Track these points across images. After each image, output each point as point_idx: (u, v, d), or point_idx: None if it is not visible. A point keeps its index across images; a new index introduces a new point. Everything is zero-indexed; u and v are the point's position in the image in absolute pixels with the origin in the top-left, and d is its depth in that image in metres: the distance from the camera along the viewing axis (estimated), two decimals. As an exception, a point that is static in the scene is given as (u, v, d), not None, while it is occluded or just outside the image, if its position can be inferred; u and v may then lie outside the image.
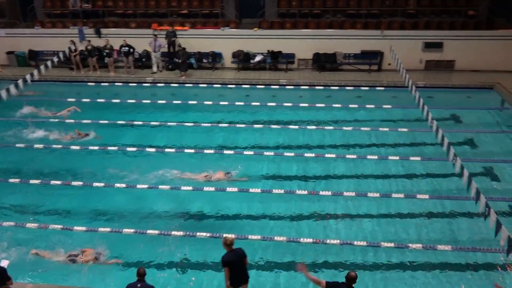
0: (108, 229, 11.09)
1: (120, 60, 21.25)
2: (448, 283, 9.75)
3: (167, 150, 14.84)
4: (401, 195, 12.37)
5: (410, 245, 10.62)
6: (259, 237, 10.81)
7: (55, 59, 16.77)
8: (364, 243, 10.69)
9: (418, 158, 14.13)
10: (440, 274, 9.99)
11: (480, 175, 13.31)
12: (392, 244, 10.65)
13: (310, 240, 10.73)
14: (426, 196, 12.31)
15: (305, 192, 12.47)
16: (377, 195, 12.35)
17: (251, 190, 12.50)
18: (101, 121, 16.62)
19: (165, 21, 22.31)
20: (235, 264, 8.22)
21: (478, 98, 18.59)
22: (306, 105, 17.99)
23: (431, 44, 20.42)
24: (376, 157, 14.32)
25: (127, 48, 20.50)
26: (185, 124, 16.61)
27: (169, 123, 16.60)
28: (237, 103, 18.25)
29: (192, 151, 14.77)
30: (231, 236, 8.47)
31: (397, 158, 14.21)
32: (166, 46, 21.29)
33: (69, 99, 18.52)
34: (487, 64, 20.27)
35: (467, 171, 9.52)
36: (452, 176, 12.86)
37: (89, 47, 21.01)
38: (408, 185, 13.15)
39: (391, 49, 17.67)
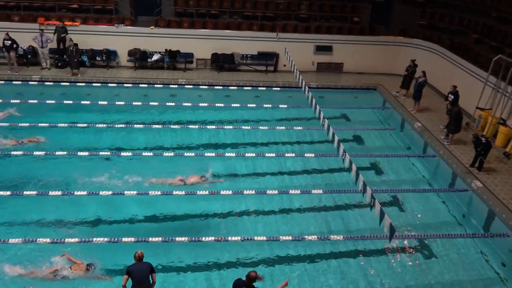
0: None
1: (2, 56, 19.40)
2: (341, 272, 10.50)
3: (57, 153, 13.90)
4: (298, 191, 13.02)
5: (307, 237, 11.23)
6: (159, 239, 10.65)
7: None
8: (264, 238, 11.06)
9: (313, 155, 14.96)
10: (334, 262, 10.73)
11: (366, 169, 14.50)
12: (290, 237, 11.17)
13: (212, 238, 10.82)
14: (321, 191, 13.11)
15: (206, 192, 12.54)
16: (276, 192, 12.86)
17: (150, 193, 12.24)
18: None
19: (53, 15, 20.82)
20: (137, 276, 8.14)
21: (363, 98, 20.17)
22: (206, 104, 18.06)
23: (322, 47, 21.71)
24: (273, 154, 14.88)
25: (9, 42, 18.71)
26: (77, 125, 15.71)
27: (59, 124, 15.53)
28: (134, 103, 17.70)
29: (86, 153, 14.04)
30: (140, 251, 8.42)
31: (293, 155, 14.91)
32: (55, 41, 19.90)
33: None
34: (370, 67, 22.10)
35: (355, 166, 10.31)
36: (342, 171, 13.85)
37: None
38: (304, 181, 13.88)
39: (285, 51, 18.42)
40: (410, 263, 10.94)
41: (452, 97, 16.08)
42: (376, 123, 18.20)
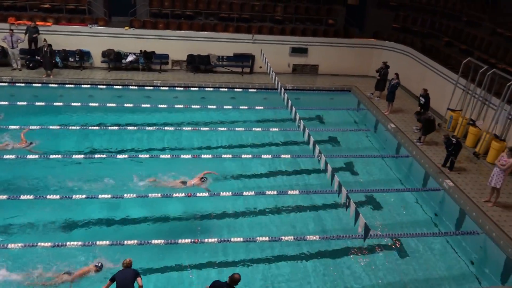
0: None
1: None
2: (317, 272, 10.60)
3: (29, 157, 13.58)
4: (274, 192, 13.08)
5: (283, 237, 11.29)
6: (135, 242, 10.54)
7: None
8: (240, 239, 11.07)
9: (288, 156, 15.06)
10: (310, 262, 10.83)
11: (341, 170, 14.69)
12: (266, 238, 11.21)
13: (189, 240, 10.77)
14: (297, 192, 13.20)
15: (182, 195, 12.46)
16: (252, 193, 12.88)
17: (125, 196, 12.09)
18: None
19: (24, 15, 20.35)
20: (120, 281, 8.26)
21: (338, 99, 20.41)
22: (181, 106, 17.95)
23: (297, 49, 21.88)
24: (250, 156, 14.90)
25: (-23, 42, 18.23)
26: (50, 127, 15.38)
27: (31, 127, 15.14)
28: (108, 105, 17.44)
29: (59, 156, 13.77)
30: (129, 259, 8.63)
31: (269, 156, 14.97)
32: (26, 42, 19.46)
33: None
34: (345, 69, 22.38)
35: (331, 167, 10.43)
36: (318, 171, 13.97)
37: None
38: (280, 182, 13.95)
39: (261, 52, 18.49)
40: (385, 262, 11.13)
41: (424, 100, 16.44)
42: (351, 124, 18.45)
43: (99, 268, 9.69)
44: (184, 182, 12.81)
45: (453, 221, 12.58)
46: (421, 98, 16.56)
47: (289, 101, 13.62)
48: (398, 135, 16.20)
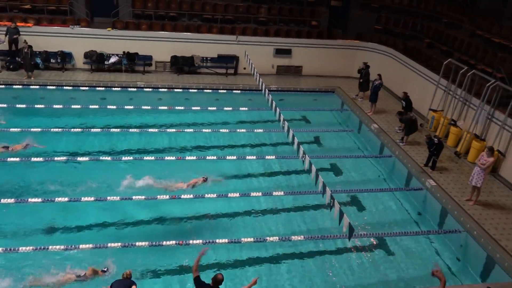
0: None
1: None
2: (302, 272, 10.65)
3: (9, 159, 13.37)
4: (259, 193, 13.09)
5: (268, 238, 11.32)
6: (119, 244, 10.45)
7: None
8: (226, 241, 11.05)
9: (273, 157, 15.10)
10: (296, 262, 10.87)
11: (326, 170, 14.78)
12: (251, 239, 11.22)
13: (173, 242, 10.72)
14: (282, 193, 13.25)
15: (167, 197, 12.39)
16: (237, 194, 12.85)
17: (109, 198, 11.98)
18: None
19: (4, 16, 20.01)
20: None
21: (322, 100, 20.54)
22: (165, 108, 17.86)
23: (281, 51, 21.96)
24: (234, 157, 14.90)
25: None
26: (32, 130, 15.15)
27: (11, 129, 14.90)
28: (91, 107, 17.27)
29: (41, 159, 13.58)
30: (129, 270, 8.67)
31: (254, 157, 14.98)
32: (6, 43, 19.14)
33: None
34: (328, 70, 22.54)
35: (315, 167, 10.49)
36: (302, 172, 14.05)
37: None
38: (265, 182, 13.98)
39: (245, 54, 18.52)
40: (369, 261, 11.23)
41: (405, 102, 16.67)
42: (335, 125, 18.58)
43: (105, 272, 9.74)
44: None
45: (436, 220, 12.77)
46: (402, 101, 16.79)
47: (273, 102, 13.66)
48: (381, 136, 16.38)
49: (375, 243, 11.91)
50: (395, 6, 23.60)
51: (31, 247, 10.13)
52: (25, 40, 18.71)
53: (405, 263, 11.24)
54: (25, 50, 18.37)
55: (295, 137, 11.79)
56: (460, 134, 15.60)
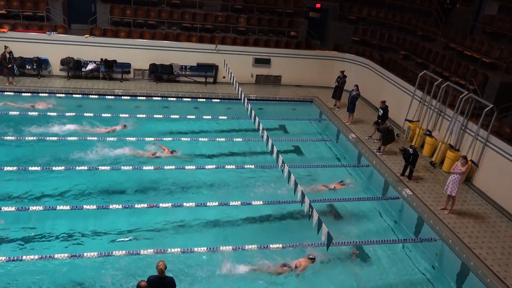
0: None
1: None
2: (278, 280, 10.63)
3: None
4: (238, 203, 13.03)
5: (247, 246, 11.26)
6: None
7: None
8: (204, 249, 10.96)
9: (252, 166, 15.10)
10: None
11: (304, 179, 14.83)
12: (230, 248, 11.13)
13: (124, 252, 10.54)
14: (261, 202, 13.21)
15: (145, 205, 12.24)
16: (216, 204, 12.77)
17: (85, 207, 11.78)
18: None
19: (-23, 21, 19.60)
20: None
21: (301, 110, 20.72)
22: (144, 116, 17.69)
23: (260, 60, 22.09)
24: (214, 166, 14.85)
25: None
26: (4, 138, 14.80)
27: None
28: (67, 114, 16.98)
29: (14, 168, 13.26)
30: (163, 262, 8.23)
31: (234, 167, 14.96)
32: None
33: None
34: (307, 79, 22.80)
35: (294, 176, 10.53)
36: (282, 181, 14.05)
37: None
38: (244, 192, 13.94)
39: (224, 62, 18.55)
40: (347, 269, 11.30)
41: (382, 111, 16.97)
42: (313, 135, 18.73)
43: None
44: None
45: (412, 229, 12.97)
46: (380, 110, 17.08)
47: (253, 111, 13.69)
48: (359, 145, 16.60)
49: (353, 251, 12.00)
50: (372, 18, 24.10)
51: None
52: (5, 46, 18.25)
53: (382, 271, 11.35)
54: (8, 56, 17.98)
55: (274, 146, 11.83)
56: (435, 144, 15.94)
